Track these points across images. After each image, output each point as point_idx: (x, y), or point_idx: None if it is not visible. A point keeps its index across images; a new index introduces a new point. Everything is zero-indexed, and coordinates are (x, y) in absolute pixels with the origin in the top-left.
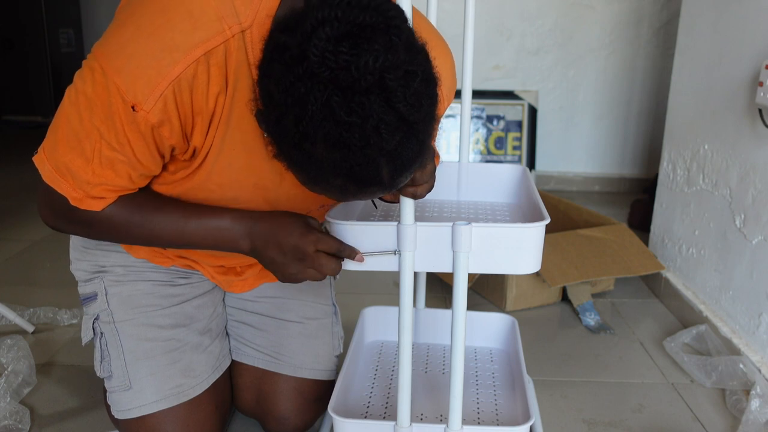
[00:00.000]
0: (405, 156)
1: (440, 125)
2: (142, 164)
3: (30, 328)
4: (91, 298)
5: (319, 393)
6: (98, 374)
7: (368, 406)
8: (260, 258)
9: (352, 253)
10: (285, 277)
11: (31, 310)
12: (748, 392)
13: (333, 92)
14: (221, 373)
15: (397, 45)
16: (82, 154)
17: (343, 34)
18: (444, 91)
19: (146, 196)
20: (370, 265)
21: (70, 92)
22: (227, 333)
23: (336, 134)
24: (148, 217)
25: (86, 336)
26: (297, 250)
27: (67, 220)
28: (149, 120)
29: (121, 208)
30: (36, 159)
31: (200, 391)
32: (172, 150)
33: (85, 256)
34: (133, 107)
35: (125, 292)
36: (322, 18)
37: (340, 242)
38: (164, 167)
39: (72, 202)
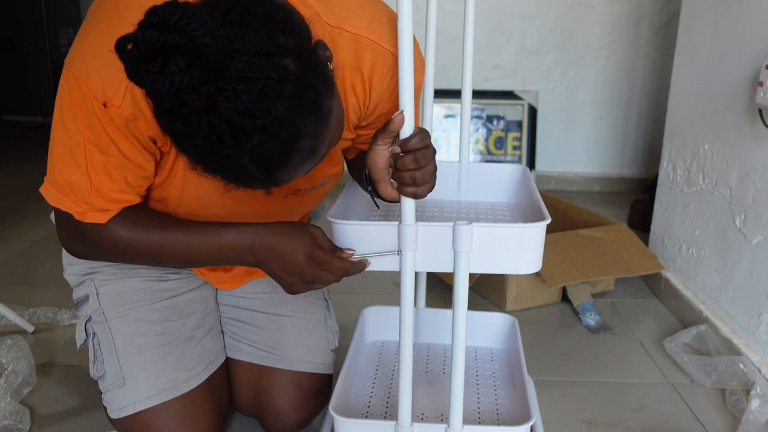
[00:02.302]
0: (268, 156)
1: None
2: (132, 162)
3: (30, 328)
4: (84, 300)
5: (317, 387)
6: (92, 376)
7: (369, 406)
8: (266, 271)
9: (360, 268)
10: (291, 292)
11: (31, 310)
12: (748, 392)
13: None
14: (216, 368)
15: (203, 62)
16: (77, 165)
17: (147, 54)
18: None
19: (150, 212)
20: (371, 264)
21: (55, 112)
22: (222, 331)
23: (191, 137)
24: (152, 232)
25: (80, 339)
26: (304, 275)
27: (79, 240)
28: (122, 114)
29: (125, 222)
30: (42, 189)
31: (194, 385)
32: (155, 142)
33: (76, 260)
34: (104, 104)
35: (116, 290)
36: (127, 39)
37: (347, 264)
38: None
39: (76, 217)
